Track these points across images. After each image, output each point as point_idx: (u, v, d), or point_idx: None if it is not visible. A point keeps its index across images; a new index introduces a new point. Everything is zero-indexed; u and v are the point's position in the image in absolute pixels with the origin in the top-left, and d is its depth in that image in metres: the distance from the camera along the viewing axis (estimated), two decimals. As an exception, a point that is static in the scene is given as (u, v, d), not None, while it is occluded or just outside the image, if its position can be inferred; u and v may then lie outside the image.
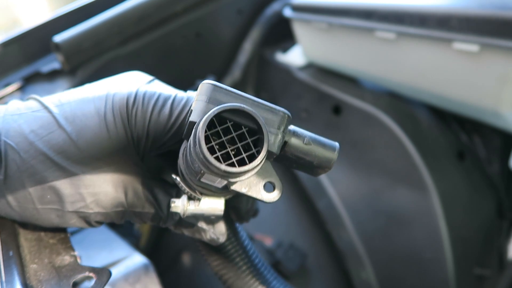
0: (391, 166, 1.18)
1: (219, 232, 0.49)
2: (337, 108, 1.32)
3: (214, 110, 0.33)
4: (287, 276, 1.22)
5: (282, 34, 1.56)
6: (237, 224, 0.53)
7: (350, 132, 1.29)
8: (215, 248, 0.51)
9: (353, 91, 1.29)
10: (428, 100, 1.11)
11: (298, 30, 1.41)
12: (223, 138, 0.34)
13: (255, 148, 0.34)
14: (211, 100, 0.36)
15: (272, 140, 0.37)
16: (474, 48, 0.86)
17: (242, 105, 0.33)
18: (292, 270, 1.21)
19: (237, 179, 0.35)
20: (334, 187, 1.29)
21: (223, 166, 0.32)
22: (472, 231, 1.11)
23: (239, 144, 0.34)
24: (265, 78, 1.61)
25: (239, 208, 0.50)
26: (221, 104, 0.34)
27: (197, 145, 0.32)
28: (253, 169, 0.33)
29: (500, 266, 1.13)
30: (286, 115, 0.37)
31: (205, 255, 0.53)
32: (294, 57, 1.53)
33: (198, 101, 0.36)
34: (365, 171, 1.24)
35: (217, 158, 0.33)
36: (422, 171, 1.09)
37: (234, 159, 0.33)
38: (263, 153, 0.33)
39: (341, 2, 1.19)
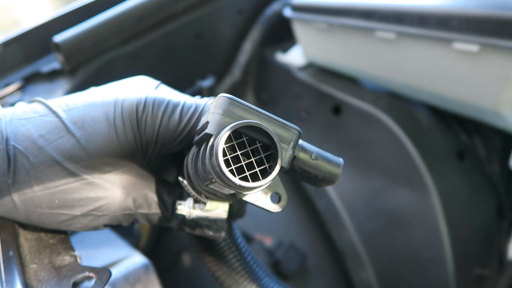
0: (391, 166, 1.18)
1: (221, 227, 0.50)
2: (337, 108, 1.32)
3: (233, 125, 0.34)
4: (287, 276, 1.22)
5: (282, 34, 1.56)
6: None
7: (350, 132, 1.29)
8: (209, 245, 0.52)
9: (353, 91, 1.29)
10: (428, 100, 1.11)
11: (298, 30, 1.41)
12: (238, 152, 0.35)
13: (267, 163, 0.35)
14: (227, 114, 0.37)
15: (283, 156, 0.38)
16: (474, 48, 0.86)
17: (260, 123, 0.35)
18: (292, 270, 1.21)
19: (249, 192, 0.36)
20: (334, 187, 1.29)
21: (238, 181, 0.33)
22: (472, 231, 1.11)
23: (253, 159, 0.35)
24: (265, 78, 1.61)
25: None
26: (236, 118, 0.36)
27: (214, 158, 0.34)
28: (265, 184, 0.35)
29: (500, 266, 1.13)
30: (298, 132, 0.39)
31: (199, 252, 0.54)
32: (294, 57, 1.53)
33: (214, 114, 0.37)
34: (365, 171, 1.24)
35: (231, 171, 0.34)
36: (422, 171, 1.09)
37: (247, 173, 0.34)
38: (276, 170, 0.34)
39: (341, 2, 1.19)
